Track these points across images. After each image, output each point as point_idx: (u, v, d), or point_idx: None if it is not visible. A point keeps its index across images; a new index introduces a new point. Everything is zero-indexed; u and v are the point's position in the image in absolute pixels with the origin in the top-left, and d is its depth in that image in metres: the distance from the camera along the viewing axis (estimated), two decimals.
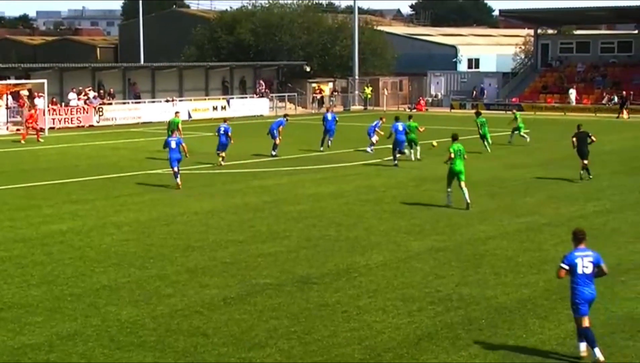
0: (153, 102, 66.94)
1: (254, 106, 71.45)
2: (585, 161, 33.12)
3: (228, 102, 69.56)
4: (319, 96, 79.44)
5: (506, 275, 18.93)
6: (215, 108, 68.20)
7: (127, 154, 42.55)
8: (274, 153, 40.94)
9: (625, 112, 69.94)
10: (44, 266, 19.64)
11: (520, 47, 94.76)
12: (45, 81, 56.06)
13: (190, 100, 68.59)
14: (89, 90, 62.77)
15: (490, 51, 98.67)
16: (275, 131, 41.31)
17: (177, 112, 43.90)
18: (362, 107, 79.51)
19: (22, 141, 48.47)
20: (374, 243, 22.17)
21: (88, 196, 29.68)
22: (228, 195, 29.85)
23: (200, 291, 17.58)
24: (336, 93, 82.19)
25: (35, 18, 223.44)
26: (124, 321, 15.59)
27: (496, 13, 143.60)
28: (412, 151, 39.80)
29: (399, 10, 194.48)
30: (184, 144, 31.85)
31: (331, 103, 79.43)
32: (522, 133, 47.47)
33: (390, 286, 18.01)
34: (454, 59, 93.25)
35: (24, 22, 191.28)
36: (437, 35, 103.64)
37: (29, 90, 58.68)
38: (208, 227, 24.17)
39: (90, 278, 18.57)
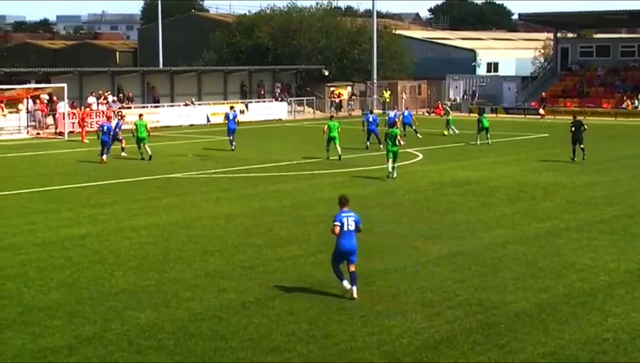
0: (172, 106, 67.08)
1: (272, 110, 71.52)
2: (582, 146, 40.26)
3: (246, 106, 69.65)
4: (337, 100, 79.41)
5: (525, 280, 18.86)
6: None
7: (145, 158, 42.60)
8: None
9: None
10: (63, 269, 19.71)
11: (539, 51, 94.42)
12: (65, 85, 56.32)
13: (209, 104, 68.73)
14: (108, 94, 62.98)
15: (510, 54, 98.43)
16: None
17: (140, 115, 44.99)
18: (381, 111, 79.40)
19: (86, 141, 48.58)
20: (393, 247, 22.13)
21: (107, 200, 29.77)
22: (246, 199, 29.88)
23: (218, 295, 17.59)
24: (355, 97, 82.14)
25: (56, 22, 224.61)
26: (143, 325, 15.62)
27: (515, 17, 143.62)
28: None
29: (417, 14, 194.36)
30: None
31: (349, 107, 79.48)
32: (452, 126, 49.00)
33: (408, 291, 17.98)
34: (473, 63, 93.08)
35: (44, 26, 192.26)
36: (455, 39, 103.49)
37: (49, 94, 59.05)
38: (226, 231, 24.20)
39: (110, 282, 18.62)
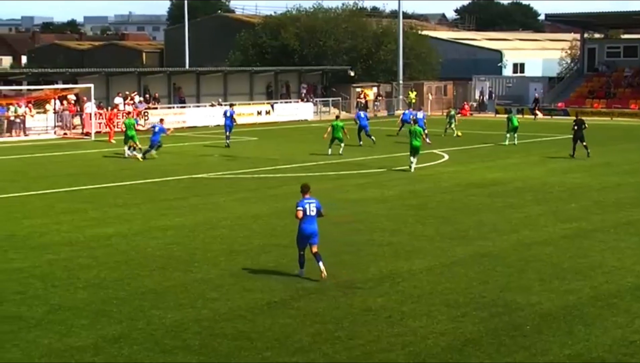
0: (198, 106, 67.27)
1: (298, 111, 71.58)
2: (584, 143, 41.97)
3: (272, 106, 69.75)
4: (363, 101, 79.37)
5: (551, 282, 18.78)
6: (259, 113, 68.45)
7: (172, 159, 42.77)
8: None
9: None
10: (90, 269, 19.81)
11: (566, 52, 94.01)
12: (92, 85, 56.60)
13: (235, 105, 68.79)
14: (135, 94, 63.25)
15: (536, 55, 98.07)
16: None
17: (129, 113, 47.75)
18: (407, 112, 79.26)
19: (113, 141, 48.96)
20: (418, 248, 22.10)
21: (134, 200, 29.90)
22: (272, 200, 29.91)
23: (244, 296, 17.62)
24: (380, 98, 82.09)
25: (83, 23, 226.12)
26: (169, 324, 15.68)
27: (542, 17, 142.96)
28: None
29: (443, 15, 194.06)
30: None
31: (375, 108, 79.41)
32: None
33: (434, 292, 17.95)
34: (499, 64, 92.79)
35: (72, 27, 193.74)
36: (482, 39, 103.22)
37: (77, 94, 59.36)
38: (252, 231, 24.24)
39: (136, 282, 18.70)
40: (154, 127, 43.04)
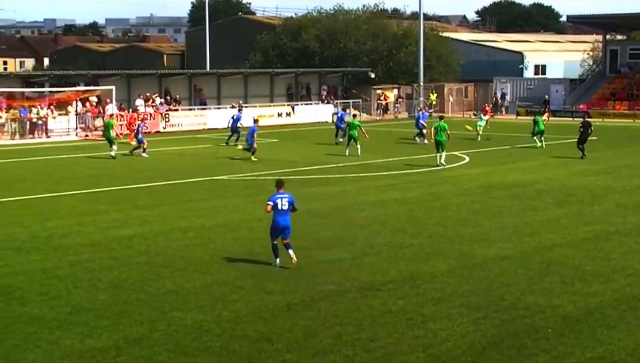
0: (218, 108, 67.40)
1: (318, 113, 71.61)
2: (584, 145, 42.99)
3: (293, 108, 69.81)
4: (383, 103, 79.33)
5: (573, 284, 18.70)
6: (280, 115, 68.55)
7: (192, 160, 42.90)
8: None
9: None
10: (111, 270, 19.88)
11: (588, 53, 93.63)
12: (113, 87, 56.85)
13: (255, 106, 68.98)
14: (156, 96, 63.45)
15: (558, 57, 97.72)
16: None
17: (110, 115, 48.85)
18: (427, 114, 79.11)
19: (133, 143, 49.11)
20: (439, 251, 22.06)
21: (154, 201, 29.99)
22: None
23: (264, 297, 17.64)
24: (401, 100, 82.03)
25: (105, 25, 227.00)
26: (189, 326, 15.71)
27: (564, 19, 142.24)
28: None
29: (464, 17, 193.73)
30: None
31: (396, 110, 79.34)
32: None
33: (455, 294, 17.91)
34: (520, 66, 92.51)
35: (93, 29, 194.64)
36: (503, 41, 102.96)
37: (98, 96, 59.60)
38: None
39: (157, 283, 18.75)
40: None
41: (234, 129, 50.20)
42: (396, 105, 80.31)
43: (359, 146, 43.65)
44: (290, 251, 19.89)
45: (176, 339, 14.98)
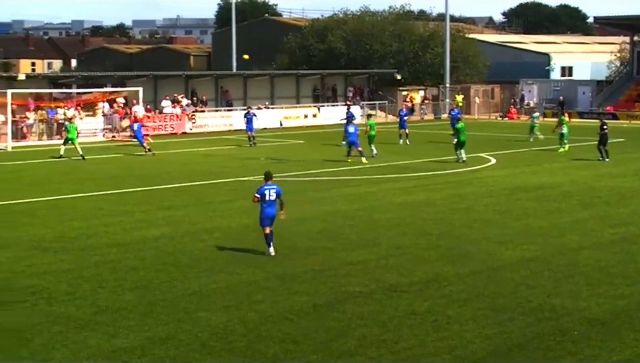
0: (244, 109, 67.35)
1: (344, 114, 71.38)
2: (605, 147, 42.86)
3: (319, 109, 69.82)
4: (409, 104, 79.21)
5: (599, 286, 18.61)
6: (306, 116, 68.57)
7: (218, 161, 43.02)
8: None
9: None
10: (137, 271, 19.97)
11: (615, 55, 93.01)
12: (140, 88, 57.07)
13: (282, 108, 69.07)
14: (182, 97, 63.65)
15: (584, 58, 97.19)
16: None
17: (69, 119, 48.69)
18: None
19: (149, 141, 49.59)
20: (464, 252, 22.01)
21: (180, 202, 30.08)
22: (318, 202, 29.95)
23: (289, 298, 17.66)
24: (427, 101, 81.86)
25: (132, 27, 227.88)
26: (215, 326, 15.75)
27: (591, 20, 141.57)
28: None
29: (491, 18, 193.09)
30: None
31: (422, 111, 79.16)
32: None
33: (480, 296, 17.86)
34: (547, 67, 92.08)
35: (120, 31, 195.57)
36: (529, 42, 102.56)
37: (125, 97, 59.88)
38: (298, 234, 24.27)
39: (183, 284, 18.81)
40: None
41: (250, 129, 51.07)
42: (422, 106, 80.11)
43: (373, 147, 43.73)
44: (271, 248, 21.34)
45: (202, 339, 15.03)
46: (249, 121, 51.56)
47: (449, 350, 14.56)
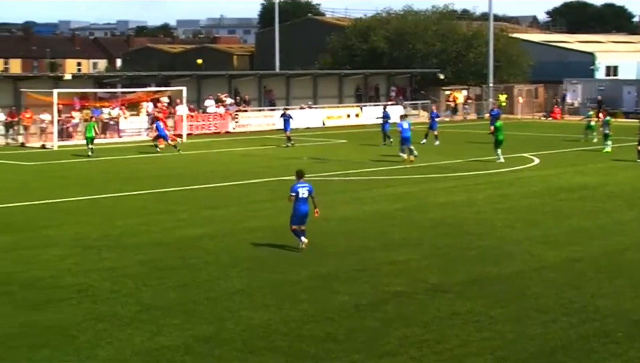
0: (287, 109, 67.46)
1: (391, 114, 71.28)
2: None
3: (361, 109, 69.76)
4: (452, 104, 78.91)
5: None
6: (348, 116, 68.54)
7: (260, 161, 43.14)
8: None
9: None
10: (179, 270, 20.10)
11: None
12: (184, 88, 57.37)
13: (324, 107, 69.11)
14: (225, 97, 63.90)
15: (630, 57, 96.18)
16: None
17: (91, 117, 51.10)
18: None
19: (171, 142, 49.86)
20: (507, 253, 21.91)
21: (222, 202, 30.22)
22: (360, 202, 29.95)
23: (331, 298, 17.69)
24: (470, 101, 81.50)
25: (176, 27, 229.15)
26: (257, 325, 15.82)
27: (637, 19, 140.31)
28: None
29: (535, 17, 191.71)
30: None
31: (465, 111, 78.85)
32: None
33: (523, 297, 17.77)
34: (591, 67, 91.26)
35: (164, 31, 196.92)
36: (574, 42, 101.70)
37: (169, 97, 60.23)
38: (340, 234, 24.31)
39: (225, 282, 18.91)
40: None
41: (287, 130, 51.04)
42: (465, 106, 79.77)
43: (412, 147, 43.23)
44: (303, 238, 21.75)
45: (244, 338, 15.10)
46: (285, 122, 51.60)
47: (491, 350, 14.51)
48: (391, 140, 48.92)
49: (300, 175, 22.13)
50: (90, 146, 45.56)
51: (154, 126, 49.85)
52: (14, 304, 17.17)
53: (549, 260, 21.18)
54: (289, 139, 51.05)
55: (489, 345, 14.74)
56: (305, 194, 21.75)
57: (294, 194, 21.75)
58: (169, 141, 47.46)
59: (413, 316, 16.36)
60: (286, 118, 51.69)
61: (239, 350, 14.52)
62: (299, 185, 21.84)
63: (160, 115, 53.30)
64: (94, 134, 46.63)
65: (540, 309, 16.83)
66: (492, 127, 42.99)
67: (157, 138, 48.13)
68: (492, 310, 16.79)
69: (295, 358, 14.21)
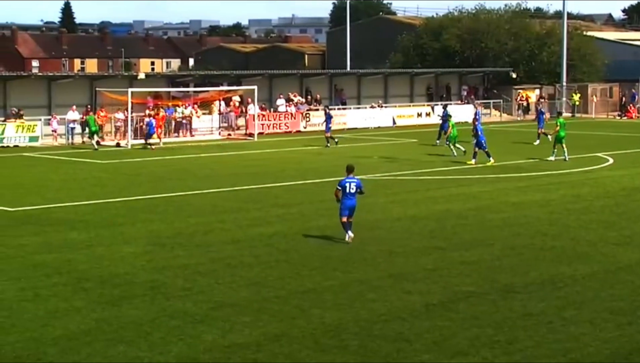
0: (358, 108, 67.64)
1: (459, 113, 70.95)
2: None
3: (432, 108, 69.50)
4: (524, 103, 78.17)
5: None
6: (419, 115, 68.33)
7: (331, 160, 43.14)
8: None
9: None
10: (251, 267, 20.23)
11: None
12: (255, 87, 57.71)
13: (395, 106, 68.97)
14: (293, 96, 64.09)
15: None
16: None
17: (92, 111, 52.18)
18: (570, 115, 77.60)
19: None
20: (581, 254, 21.65)
21: (293, 200, 30.35)
22: (431, 201, 29.85)
23: (402, 297, 17.66)
24: (543, 100, 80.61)
25: (248, 26, 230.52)
26: (328, 324, 15.85)
27: None
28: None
29: (610, 15, 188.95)
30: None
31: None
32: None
33: (597, 298, 17.55)
34: None
35: (237, 30, 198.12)
36: None
37: (241, 96, 60.66)
38: (410, 233, 24.26)
39: (296, 281, 18.98)
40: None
41: (328, 130, 50.59)
42: (538, 105, 78.88)
43: (460, 146, 43.39)
44: (349, 232, 22.45)
45: (315, 337, 15.15)
46: (327, 121, 50.95)
47: (564, 352, 14.35)
48: (438, 141, 49.33)
49: (350, 170, 22.80)
50: (95, 140, 48.55)
51: (146, 124, 50.85)
52: (90, 300, 17.44)
53: (623, 261, 20.88)
54: (330, 138, 50.09)
55: (562, 347, 14.58)
56: (353, 189, 22.47)
57: (339, 188, 22.53)
58: (148, 140, 49.10)
59: (484, 317, 16.26)
60: (327, 117, 51.20)
61: (310, 349, 14.56)
62: (347, 180, 22.55)
63: (152, 113, 53.49)
64: (97, 126, 49.37)
65: (615, 311, 16.59)
66: (557, 127, 42.03)
67: (148, 136, 49.73)
68: (566, 311, 16.61)
69: (365, 357, 14.21)
